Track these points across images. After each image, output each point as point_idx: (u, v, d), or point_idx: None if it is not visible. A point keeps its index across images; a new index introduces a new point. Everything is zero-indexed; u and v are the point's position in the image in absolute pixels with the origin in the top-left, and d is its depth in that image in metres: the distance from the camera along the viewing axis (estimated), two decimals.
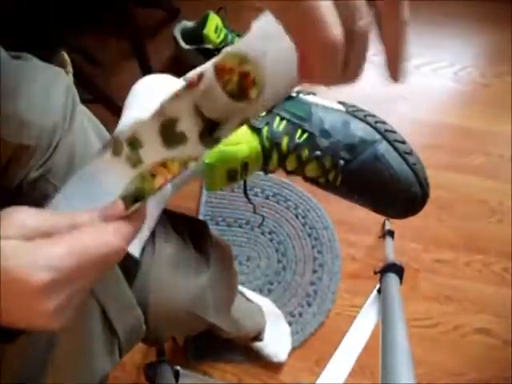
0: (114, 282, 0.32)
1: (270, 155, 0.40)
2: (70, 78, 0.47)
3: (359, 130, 0.41)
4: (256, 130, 0.39)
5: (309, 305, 1.04)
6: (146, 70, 1.16)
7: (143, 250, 0.38)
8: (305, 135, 0.40)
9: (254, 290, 1.03)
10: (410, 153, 0.41)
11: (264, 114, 0.39)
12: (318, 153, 0.40)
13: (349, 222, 1.14)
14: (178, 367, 0.78)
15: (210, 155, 0.38)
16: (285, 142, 0.40)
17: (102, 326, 0.30)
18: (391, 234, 1.04)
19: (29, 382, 0.26)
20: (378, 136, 0.41)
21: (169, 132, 0.26)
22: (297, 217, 1.15)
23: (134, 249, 0.35)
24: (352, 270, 1.08)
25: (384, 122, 0.42)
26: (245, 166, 0.40)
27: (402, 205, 0.42)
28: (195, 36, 1.16)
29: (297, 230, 1.13)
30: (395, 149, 0.40)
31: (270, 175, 1.19)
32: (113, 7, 1.05)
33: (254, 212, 0.52)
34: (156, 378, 0.73)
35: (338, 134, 0.40)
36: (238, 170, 0.40)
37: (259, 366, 0.96)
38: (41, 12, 1.01)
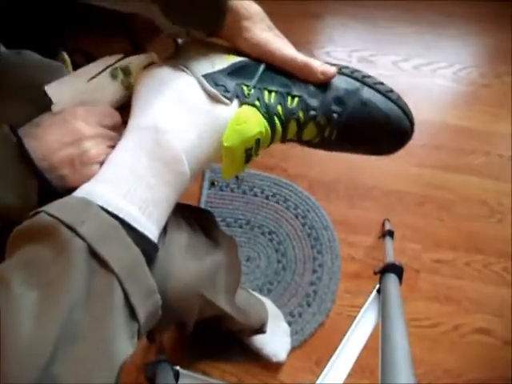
0: (138, 266, 0.32)
1: (275, 126, 0.42)
2: (70, 71, 0.48)
3: (340, 82, 0.43)
4: (254, 106, 0.41)
5: (309, 305, 1.04)
6: None
7: None
8: (295, 100, 0.42)
9: (253, 290, 1.03)
10: (391, 90, 0.44)
11: (252, 91, 0.41)
12: (313, 112, 0.42)
13: (349, 222, 1.14)
14: (178, 367, 0.78)
15: (227, 138, 0.40)
16: (280, 110, 0.42)
17: (124, 309, 0.30)
18: (391, 234, 1.04)
19: None
20: (357, 83, 0.43)
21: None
22: (296, 217, 1.15)
23: (153, 234, 0.35)
24: (352, 270, 1.08)
25: (358, 70, 0.45)
26: (257, 143, 0.42)
27: (395, 140, 0.45)
28: None
29: (296, 230, 1.13)
30: (377, 91, 0.43)
31: (269, 175, 1.20)
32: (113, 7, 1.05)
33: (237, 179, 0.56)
34: (156, 378, 0.73)
35: (323, 91, 0.43)
36: (252, 148, 0.42)
37: (259, 366, 0.96)
38: (41, 12, 1.01)
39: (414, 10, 1.52)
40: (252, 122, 0.40)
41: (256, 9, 0.41)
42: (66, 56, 0.57)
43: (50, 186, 0.37)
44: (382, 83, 0.44)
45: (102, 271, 0.29)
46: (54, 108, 0.40)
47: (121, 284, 0.30)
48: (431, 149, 1.22)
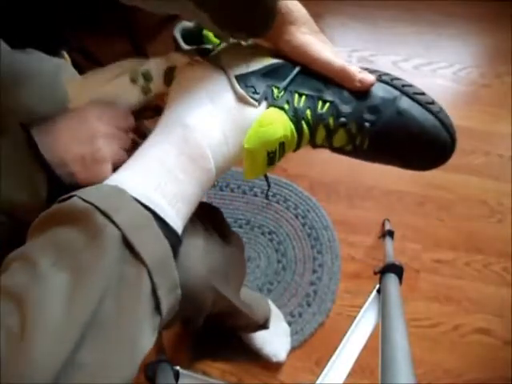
0: (167, 259, 0.32)
1: (302, 131, 0.41)
2: (73, 70, 0.48)
3: (378, 90, 0.41)
4: (282, 109, 0.40)
5: (309, 305, 1.04)
6: None
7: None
8: (326, 105, 0.41)
9: (254, 290, 1.03)
10: (432, 102, 0.41)
11: (282, 93, 0.40)
12: (343, 119, 0.40)
13: (349, 222, 1.14)
14: (178, 367, 0.78)
15: (249, 140, 0.39)
16: (309, 115, 0.41)
17: (151, 302, 0.30)
18: (391, 234, 1.04)
19: None
20: (396, 92, 0.41)
21: (169, 75, 0.41)
22: (296, 217, 1.15)
23: (179, 229, 0.35)
24: (352, 270, 1.08)
25: (399, 78, 0.43)
26: (282, 146, 0.41)
27: (433, 155, 0.42)
28: (195, 36, 1.16)
29: (296, 230, 1.13)
30: (416, 101, 0.41)
31: (269, 175, 1.20)
32: (113, 7, 1.05)
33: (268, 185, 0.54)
34: (156, 378, 0.73)
35: (358, 98, 0.41)
36: (276, 151, 0.41)
37: (259, 366, 0.96)
38: (41, 12, 1.01)
39: (414, 9, 1.52)
40: (276, 124, 0.39)
41: (301, 12, 0.41)
42: (66, 56, 0.57)
43: (59, 183, 0.37)
44: (423, 93, 0.42)
45: (133, 261, 0.29)
46: (70, 105, 0.40)
47: (150, 276, 0.30)
48: None
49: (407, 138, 0.41)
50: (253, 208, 1.16)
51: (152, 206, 0.33)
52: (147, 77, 0.41)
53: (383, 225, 1.11)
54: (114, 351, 0.27)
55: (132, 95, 0.41)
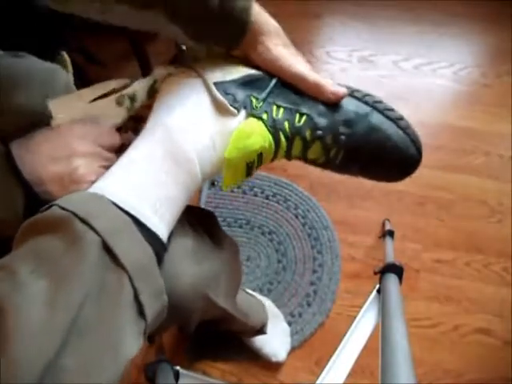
0: (149, 265, 0.32)
1: (279, 142, 0.42)
2: (68, 75, 0.48)
3: (351, 105, 0.43)
4: (260, 119, 0.41)
5: (309, 305, 1.04)
6: (146, 70, 1.16)
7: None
8: (303, 118, 0.42)
9: (254, 290, 1.03)
10: (401, 118, 0.43)
11: (261, 104, 0.41)
12: (320, 132, 0.42)
13: (349, 222, 1.14)
14: (178, 367, 0.79)
15: (229, 151, 0.40)
16: (287, 127, 0.42)
17: (133, 307, 0.30)
18: (391, 234, 1.04)
19: None
20: (368, 108, 0.43)
21: (152, 89, 0.42)
22: (296, 217, 1.15)
23: (163, 234, 0.35)
24: (352, 270, 1.08)
25: (370, 95, 0.44)
26: (260, 157, 0.42)
27: (401, 167, 0.45)
28: None
29: (297, 230, 1.13)
30: (387, 117, 0.43)
31: (269, 175, 1.20)
32: None
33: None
34: (156, 378, 0.73)
35: (333, 112, 0.42)
36: (254, 162, 0.42)
37: (259, 366, 0.96)
38: (41, 12, 1.01)
39: (414, 9, 1.52)
40: (256, 135, 0.40)
41: (273, 25, 0.42)
42: (66, 56, 0.57)
43: (37, 199, 0.37)
44: (392, 109, 0.43)
45: (113, 266, 0.29)
46: (53, 123, 0.40)
47: (131, 281, 0.30)
48: (431, 149, 1.22)
49: (379, 151, 0.43)
50: (253, 208, 1.16)
51: (132, 212, 0.33)
52: (133, 98, 0.42)
53: (383, 225, 1.11)
54: (95, 355, 0.27)
55: (118, 116, 0.42)
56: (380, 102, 0.44)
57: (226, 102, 0.39)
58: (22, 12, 0.90)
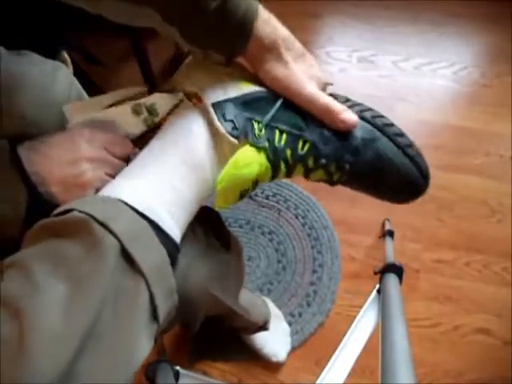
0: (164, 269, 0.32)
1: (279, 168, 0.40)
2: (70, 71, 0.48)
3: (358, 130, 0.41)
4: (261, 148, 0.39)
5: (308, 305, 1.04)
6: (146, 70, 1.16)
7: None
8: (307, 146, 0.40)
9: (254, 290, 1.03)
10: (410, 145, 0.41)
11: (263, 130, 0.39)
12: (323, 161, 0.40)
13: (349, 222, 1.14)
14: (178, 367, 0.79)
15: (222, 181, 0.38)
16: (289, 155, 0.40)
17: (148, 311, 0.30)
18: (391, 234, 1.04)
19: None
20: (377, 133, 0.41)
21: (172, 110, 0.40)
22: (296, 217, 1.15)
23: (177, 237, 0.35)
24: (352, 270, 1.08)
25: (381, 116, 0.42)
26: (255, 183, 0.40)
27: (405, 195, 0.45)
28: None
29: (297, 230, 1.13)
30: (395, 144, 0.41)
31: None
32: None
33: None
34: (156, 378, 0.73)
35: (339, 139, 0.40)
36: (249, 189, 0.41)
37: (259, 366, 0.96)
38: (42, 11, 1.01)
39: (415, 9, 1.52)
40: (253, 165, 0.38)
41: (282, 36, 0.39)
42: (66, 56, 0.57)
43: (40, 201, 0.37)
44: (402, 134, 0.41)
45: (130, 271, 0.29)
46: (68, 127, 0.40)
47: (148, 286, 0.30)
48: (431, 149, 1.22)
49: (383, 180, 0.42)
50: (253, 208, 1.16)
51: (149, 215, 0.32)
52: (152, 111, 0.40)
53: (383, 225, 1.11)
54: (111, 360, 0.27)
55: (134, 126, 0.41)
56: (391, 125, 0.41)
57: (224, 131, 0.37)
58: (22, 11, 0.90)
